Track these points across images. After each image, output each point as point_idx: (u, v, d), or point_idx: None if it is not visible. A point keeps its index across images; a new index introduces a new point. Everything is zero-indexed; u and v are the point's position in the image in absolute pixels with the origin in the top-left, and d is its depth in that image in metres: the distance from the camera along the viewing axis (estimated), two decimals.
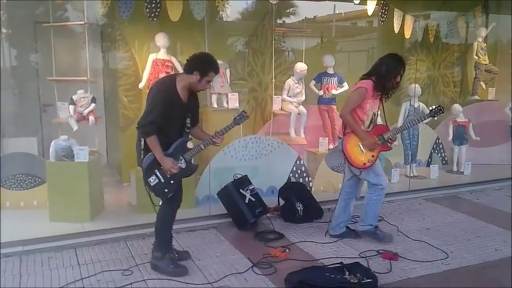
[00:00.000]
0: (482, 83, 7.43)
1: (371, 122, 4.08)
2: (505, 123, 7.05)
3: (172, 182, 3.42)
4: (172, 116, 3.34)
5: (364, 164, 4.05)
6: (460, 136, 6.55)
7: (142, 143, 3.35)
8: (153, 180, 3.39)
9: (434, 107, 4.11)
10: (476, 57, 7.27)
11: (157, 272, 3.52)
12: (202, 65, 3.34)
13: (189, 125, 3.51)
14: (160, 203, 3.56)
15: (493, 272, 3.69)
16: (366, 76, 4.04)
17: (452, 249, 4.10)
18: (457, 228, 4.65)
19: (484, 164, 6.84)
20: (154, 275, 3.50)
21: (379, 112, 4.14)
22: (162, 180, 3.40)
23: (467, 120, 6.70)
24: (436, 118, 4.28)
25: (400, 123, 6.17)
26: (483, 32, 7.35)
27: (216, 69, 3.39)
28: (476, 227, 4.69)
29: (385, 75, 3.93)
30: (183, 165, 3.44)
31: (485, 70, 7.35)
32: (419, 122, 4.46)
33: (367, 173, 4.11)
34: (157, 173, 3.39)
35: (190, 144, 3.56)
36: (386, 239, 4.21)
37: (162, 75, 5.25)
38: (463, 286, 3.49)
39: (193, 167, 3.59)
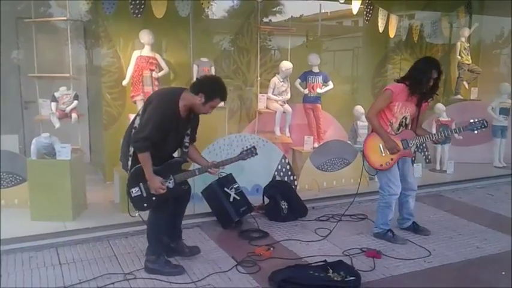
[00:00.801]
0: (465, 82, 7.52)
1: (400, 125, 4.07)
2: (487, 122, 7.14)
3: (153, 198, 3.33)
4: (169, 133, 3.26)
5: (381, 165, 4.10)
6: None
7: (131, 149, 3.27)
8: (135, 191, 3.32)
9: (476, 120, 4.00)
10: (460, 57, 7.36)
11: (154, 275, 3.45)
12: (210, 89, 3.23)
13: (187, 144, 3.44)
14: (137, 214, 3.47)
15: (475, 269, 3.74)
16: (400, 79, 4.08)
17: (435, 247, 4.14)
18: (439, 226, 4.70)
19: (466, 163, 6.93)
20: (137, 275, 3.47)
21: (413, 117, 4.09)
22: (144, 195, 3.33)
23: (450, 119, 6.77)
24: (476, 132, 4.08)
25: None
26: (466, 32, 7.44)
27: (223, 97, 3.29)
28: (459, 225, 4.75)
29: (418, 79, 3.93)
30: (171, 185, 3.35)
31: (468, 70, 7.44)
32: (452, 133, 4.26)
33: (382, 175, 4.16)
34: (141, 186, 3.32)
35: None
36: (398, 241, 4.20)
37: (146, 72, 5.23)
38: (445, 283, 3.53)
39: (181, 190, 3.49)
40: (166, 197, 3.36)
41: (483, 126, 4.00)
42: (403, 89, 4.00)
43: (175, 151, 3.46)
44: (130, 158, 3.30)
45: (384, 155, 4.07)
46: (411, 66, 4.08)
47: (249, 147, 3.63)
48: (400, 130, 4.09)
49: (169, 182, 3.34)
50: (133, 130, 3.28)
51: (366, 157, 4.16)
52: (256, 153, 3.61)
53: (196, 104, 3.26)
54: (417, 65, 4.02)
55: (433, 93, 4.05)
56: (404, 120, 4.08)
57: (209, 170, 3.50)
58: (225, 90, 3.31)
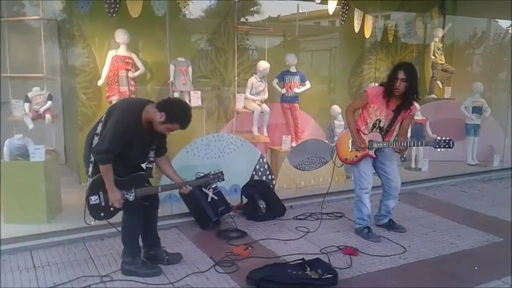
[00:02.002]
0: (439, 82, 7.66)
1: (374, 126, 4.18)
2: (460, 121, 7.31)
3: (112, 209, 3.30)
4: (132, 144, 3.20)
5: (345, 159, 4.37)
6: (418, 134, 6.74)
7: (92, 158, 3.22)
8: (93, 199, 3.27)
9: (443, 138, 4.05)
10: (433, 57, 7.49)
11: (132, 276, 3.42)
12: (174, 113, 3.19)
13: (152, 159, 3.38)
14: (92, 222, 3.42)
15: (449, 265, 3.82)
16: (381, 83, 4.20)
17: (410, 243, 4.22)
18: (414, 223, 4.79)
19: (440, 161, 7.07)
20: (114, 277, 3.43)
21: (389, 122, 4.15)
22: (102, 204, 3.28)
23: (424, 118, 6.91)
24: (439, 150, 4.14)
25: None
26: (440, 32, 7.58)
27: (183, 125, 3.26)
28: (433, 222, 4.85)
29: (388, 80, 4.05)
30: (131, 198, 3.30)
31: (441, 69, 7.58)
32: (415, 145, 4.34)
33: (354, 170, 4.36)
34: (101, 196, 3.27)
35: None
36: (371, 238, 4.28)
37: (122, 72, 5.17)
38: (420, 279, 3.60)
39: (141, 204, 3.42)
40: (122, 209, 3.32)
41: (448, 146, 4.03)
42: (379, 92, 4.09)
43: (141, 163, 3.38)
44: (91, 165, 3.25)
45: (350, 150, 4.29)
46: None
47: (216, 171, 3.63)
48: (373, 131, 4.19)
49: (130, 195, 3.30)
50: (94, 136, 3.22)
51: (336, 149, 4.41)
52: (223, 179, 3.60)
53: (156, 121, 3.19)
54: (391, 69, 4.12)
55: (409, 101, 4.06)
56: (378, 122, 4.17)
57: (180, 191, 3.52)
58: (188, 120, 3.27)
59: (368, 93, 4.15)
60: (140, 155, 3.34)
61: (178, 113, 3.21)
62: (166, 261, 3.64)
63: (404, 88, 3.96)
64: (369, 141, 4.18)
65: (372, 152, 4.20)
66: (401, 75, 3.95)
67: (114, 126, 3.13)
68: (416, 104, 6.71)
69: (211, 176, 3.62)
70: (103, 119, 3.24)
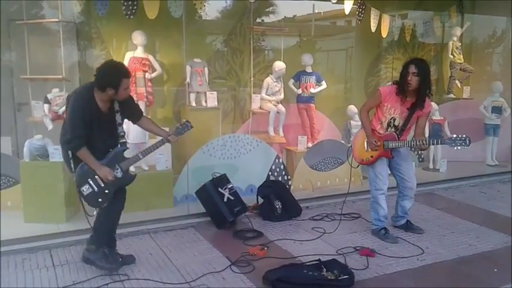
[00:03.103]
0: (457, 81, 7.55)
1: (388, 125, 4.15)
2: (479, 121, 7.19)
3: (106, 191, 3.34)
4: (99, 126, 3.24)
5: (362, 160, 4.30)
6: (436, 134, 6.65)
7: (70, 153, 3.26)
8: (86, 189, 3.30)
9: (460, 136, 3.97)
10: (452, 56, 7.39)
11: (89, 265, 3.49)
12: (111, 79, 3.20)
13: (122, 134, 3.40)
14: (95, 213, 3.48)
15: (467, 267, 3.77)
16: (394, 81, 4.16)
17: (428, 244, 4.17)
18: (432, 224, 4.73)
19: (459, 162, 6.97)
20: (132, 276, 3.47)
21: (405, 120, 4.10)
22: (96, 190, 3.31)
23: (442, 118, 6.82)
24: (456, 148, 4.04)
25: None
26: (458, 31, 7.48)
27: (126, 74, 3.26)
28: (451, 223, 4.78)
29: (400, 77, 4.03)
30: (119, 175, 3.36)
31: (460, 69, 7.48)
32: (431, 144, 4.17)
33: (370, 171, 4.32)
34: (91, 182, 3.30)
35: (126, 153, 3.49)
36: (388, 239, 4.25)
37: (139, 73, 5.21)
38: (438, 281, 3.55)
39: (130, 176, 3.51)
40: (117, 187, 3.37)
41: (464, 144, 3.94)
42: (392, 91, 4.06)
43: (113, 142, 3.38)
44: (71, 161, 3.29)
45: (366, 150, 4.23)
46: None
47: (183, 121, 3.62)
48: (388, 130, 4.16)
49: (117, 172, 3.35)
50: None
51: (352, 149, 4.37)
52: (192, 126, 3.59)
53: (113, 97, 3.25)
54: (403, 66, 4.08)
55: (422, 97, 4.01)
56: (392, 121, 4.14)
57: (169, 138, 3.48)
58: (122, 67, 3.31)
59: (381, 92, 4.12)
60: (109, 135, 3.35)
61: (111, 76, 3.20)
62: (120, 262, 3.60)
63: (416, 83, 3.92)
64: (384, 141, 4.14)
65: (388, 152, 4.16)
66: (412, 69, 3.92)
67: (71, 113, 3.20)
68: (434, 104, 6.74)
69: (180, 126, 3.55)
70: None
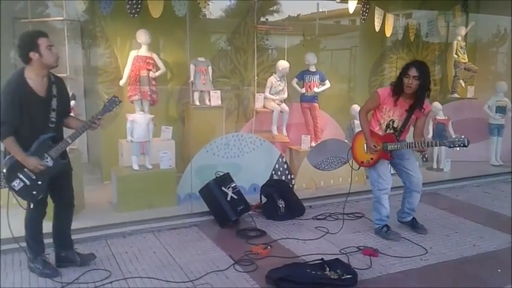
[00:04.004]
0: (461, 81, 7.55)
1: (387, 127, 4.14)
2: (483, 121, 7.17)
3: (40, 182, 3.19)
4: (29, 112, 3.12)
5: (362, 162, 4.29)
6: (440, 134, 6.64)
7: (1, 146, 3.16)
8: (17, 184, 3.15)
9: (457, 137, 3.92)
10: (456, 56, 7.38)
11: (34, 273, 3.45)
12: (29, 43, 3.10)
13: (53, 119, 3.23)
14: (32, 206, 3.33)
15: (471, 267, 3.76)
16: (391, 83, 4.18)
17: (431, 244, 4.16)
18: (436, 224, 4.73)
19: (463, 161, 6.96)
20: (135, 274, 3.48)
21: (403, 122, 4.11)
22: (28, 183, 3.17)
23: (446, 118, 6.80)
24: (457, 149, 4.04)
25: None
26: (463, 31, 7.46)
27: (41, 34, 3.15)
28: (455, 223, 4.77)
29: (398, 79, 4.02)
30: (50, 164, 3.19)
31: (464, 68, 7.47)
32: (429, 146, 4.16)
33: (372, 171, 4.30)
34: (21, 176, 3.15)
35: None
36: (390, 236, 4.26)
37: (143, 72, 5.23)
38: (441, 281, 3.55)
39: (62, 163, 3.32)
40: (50, 176, 3.24)
41: (463, 145, 3.87)
42: (389, 93, 4.06)
43: (44, 127, 3.21)
44: (1, 155, 3.20)
45: (366, 153, 4.22)
46: None
47: (109, 97, 3.43)
48: (387, 132, 4.16)
49: (47, 161, 3.19)
50: None
51: (352, 151, 4.36)
52: (120, 101, 3.41)
53: (40, 63, 3.11)
54: (401, 69, 4.08)
55: (421, 100, 4.00)
56: (391, 123, 4.14)
57: (92, 125, 3.30)
58: (35, 30, 3.25)
59: (379, 94, 4.10)
60: (41, 122, 3.20)
61: (27, 40, 3.12)
62: (79, 262, 3.56)
63: (416, 86, 3.92)
64: (383, 143, 4.12)
65: (387, 154, 4.15)
66: (413, 72, 3.90)
67: (3, 101, 3.06)
68: (438, 104, 6.72)
69: (107, 103, 3.37)
70: None
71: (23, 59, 3.13)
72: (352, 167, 4.42)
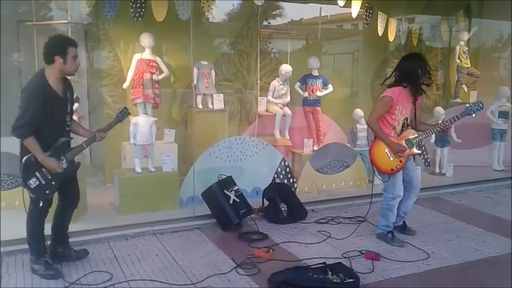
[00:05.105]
0: (464, 86, 7.55)
1: (403, 126, 4.13)
2: (486, 125, 7.16)
3: (53, 183, 3.35)
4: (51, 113, 3.24)
5: (392, 169, 4.13)
6: (442, 138, 6.64)
7: (20, 146, 3.26)
8: (33, 182, 3.29)
9: (472, 103, 4.07)
10: (459, 61, 7.38)
11: (36, 275, 3.46)
12: (58, 48, 3.23)
13: (69, 123, 3.42)
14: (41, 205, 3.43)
15: (473, 272, 3.76)
16: (394, 84, 4.09)
17: (434, 249, 4.16)
18: (438, 228, 4.72)
19: (465, 166, 6.95)
20: (137, 276, 3.48)
21: (413, 114, 4.14)
22: (43, 182, 3.31)
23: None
24: (474, 115, 4.10)
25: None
26: (465, 35, 7.47)
27: (72, 43, 3.31)
28: (457, 228, 4.77)
29: (418, 77, 3.98)
30: (65, 165, 3.38)
31: (467, 73, 7.47)
32: (452, 123, 4.15)
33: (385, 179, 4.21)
34: (38, 175, 3.29)
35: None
36: (395, 243, 4.24)
37: (146, 75, 5.23)
38: (444, 286, 3.55)
39: (75, 166, 3.53)
40: (62, 178, 3.39)
41: (479, 108, 4.02)
42: (400, 92, 4.04)
43: (62, 129, 3.38)
44: (20, 157, 3.29)
45: (392, 159, 4.10)
46: (401, 69, 4.08)
47: (120, 109, 3.64)
48: (402, 131, 4.13)
49: (63, 163, 3.36)
50: None
51: (374, 165, 4.17)
52: (129, 113, 3.67)
53: (62, 68, 3.25)
54: (407, 64, 4.04)
55: (421, 87, 4.06)
56: (405, 121, 4.13)
57: (96, 139, 3.50)
58: (67, 37, 3.41)
59: (392, 97, 4.03)
60: (59, 124, 3.34)
61: (58, 44, 3.24)
62: (74, 257, 3.67)
63: None
64: (405, 140, 4.10)
65: (414, 149, 4.14)
66: (426, 66, 3.99)
67: (23, 101, 3.18)
68: (440, 108, 6.72)
69: (120, 114, 3.58)
70: None
71: (46, 59, 3.24)
72: (382, 180, 4.21)
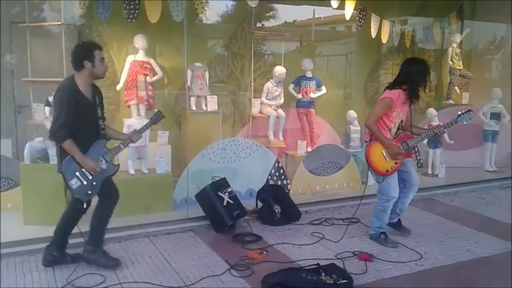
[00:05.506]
0: (456, 87, 7.60)
1: (398, 128, 4.16)
2: (478, 127, 7.21)
3: (94, 183, 3.44)
4: (83, 116, 3.35)
5: (387, 170, 4.14)
6: (435, 140, 6.67)
7: (58, 149, 3.36)
8: (74, 183, 3.38)
9: (463, 110, 4.13)
10: (451, 63, 7.44)
11: (92, 265, 3.57)
12: (85, 52, 3.36)
13: (103, 127, 3.54)
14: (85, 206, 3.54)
15: (466, 272, 3.78)
16: (394, 85, 4.11)
17: (426, 250, 4.19)
18: (431, 229, 4.75)
19: (457, 167, 7.00)
20: (130, 279, 3.48)
21: (408, 116, 4.19)
22: (84, 183, 3.40)
23: (441, 124, 6.83)
24: (465, 123, 4.18)
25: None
26: (458, 37, 7.53)
27: (98, 46, 3.44)
28: (450, 229, 4.80)
29: (418, 82, 4.02)
30: (104, 166, 3.47)
31: (459, 75, 7.53)
32: (446, 128, 4.20)
33: (380, 180, 4.23)
34: (79, 176, 3.38)
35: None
36: (388, 244, 4.26)
37: (140, 76, 5.23)
38: (436, 286, 3.57)
39: (115, 167, 3.61)
40: (103, 178, 3.49)
41: (470, 117, 4.13)
42: (400, 95, 4.06)
43: (96, 133, 3.50)
44: (60, 158, 3.36)
45: (387, 160, 4.12)
46: (403, 71, 4.10)
47: (154, 112, 3.75)
48: (397, 133, 4.16)
49: (102, 163, 3.45)
50: None
51: (370, 165, 4.18)
52: (164, 116, 3.74)
53: (92, 71, 3.37)
54: (410, 68, 4.06)
55: (417, 90, 4.10)
56: (401, 123, 4.17)
57: (131, 139, 3.59)
58: (92, 42, 3.60)
59: (392, 99, 4.03)
60: (93, 128, 3.46)
61: (85, 49, 3.38)
62: (70, 261, 3.66)
63: None
64: (401, 143, 4.13)
65: (411, 152, 4.20)
66: (428, 74, 4.06)
67: (55, 105, 3.33)
68: (432, 110, 6.77)
69: (154, 117, 3.69)
70: None
71: (76, 66, 3.37)
72: (377, 180, 4.23)
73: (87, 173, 3.39)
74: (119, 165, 3.69)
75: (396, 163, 4.13)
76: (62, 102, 3.28)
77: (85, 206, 3.52)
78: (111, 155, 3.51)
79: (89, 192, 3.44)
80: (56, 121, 3.26)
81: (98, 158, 3.43)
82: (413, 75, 4.01)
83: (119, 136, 3.71)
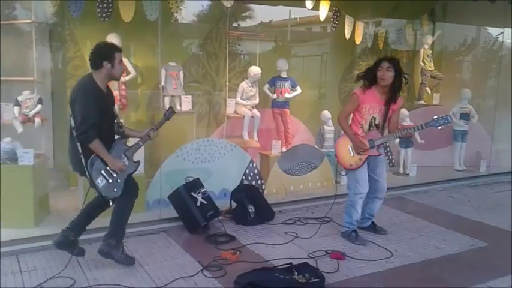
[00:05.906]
0: (427, 88, 7.75)
1: (370, 125, 4.21)
2: (448, 127, 7.30)
3: (118, 181, 3.48)
4: (106, 113, 3.41)
5: (350, 165, 4.27)
6: (406, 139, 6.80)
7: (79, 148, 3.33)
8: (100, 181, 3.42)
9: (440, 116, 4.19)
10: (423, 64, 7.58)
11: (108, 258, 3.60)
12: (105, 53, 3.38)
13: (121, 124, 3.62)
14: (111, 203, 3.59)
15: (435, 269, 3.87)
16: (363, 83, 4.23)
17: (397, 248, 4.26)
18: (401, 227, 4.84)
19: (428, 166, 7.15)
20: (101, 281, 3.43)
21: (384, 117, 4.21)
22: (110, 181, 3.44)
23: (413, 124, 6.95)
24: (440, 128, 4.22)
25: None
26: (429, 39, 7.67)
27: (118, 49, 3.48)
28: (420, 227, 4.90)
29: (368, 72, 4.17)
30: (127, 163, 3.54)
31: (430, 76, 7.68)
32: (415, 131, 4.29)
33: (351, 175, 4.34)
34: (104, 174, 3.42)
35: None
36: (358, 241, 4.32)
37: None
38: (406, 283, 3.64)
39: (136, 164, 3.67)
40: (126, 175, 3.53)
41: (446, 121, 4.16)
42: (366, 91, 4.17)
43: (114, 130, 3.59)
44: (82, 157, 3.35)
45: (352, 155, 4.25)
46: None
47: (167, 108, 3.86)
48: (370, 131, 4.23)
49: (124, 161, 3.53)
50: (73, 132, 3.34)
51: (337, 157, 4.36)
52: (175, 111, 3.83)
53: (110, 72, 3.41)
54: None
55: (397, 90, 4.17)
56: (373, 120, 4.22)
57: (150, 136, 3.64)
58: (112, 44, 3.67)
59: (357, 95, 4.19)
60: (111, 124, 3.54)
61: (106, 51, 3.41)
62: (76, 252, 3.66)
63: (391, 78, 4.08)
64: (368, 140, 4.20)
65: (375, 150, 4.25)
66: (385, 64, 4.09)
67: (81, 104, 3.28)
68: (404, 110, 6.88)
69: (167, 113, 3.76)
70: (71, 112, 3.38)
71: (94, 65, 3.39)
72: (339, 173, 4.44)
73: (111, 171, 3.43)
74: (139, 161, 3.73)
75: (360, 159, 4.23)
76: (88, 100, 3.27)
77: (111, 204, 3.57)
78: (132, 152, 3.59)
79: (115, 190, 3.47)
80: (86, 120, 3.23)
81: (120, 156, 3.50)
82: (367, 71, 4.18)
83: (135, 134, 3.76)
